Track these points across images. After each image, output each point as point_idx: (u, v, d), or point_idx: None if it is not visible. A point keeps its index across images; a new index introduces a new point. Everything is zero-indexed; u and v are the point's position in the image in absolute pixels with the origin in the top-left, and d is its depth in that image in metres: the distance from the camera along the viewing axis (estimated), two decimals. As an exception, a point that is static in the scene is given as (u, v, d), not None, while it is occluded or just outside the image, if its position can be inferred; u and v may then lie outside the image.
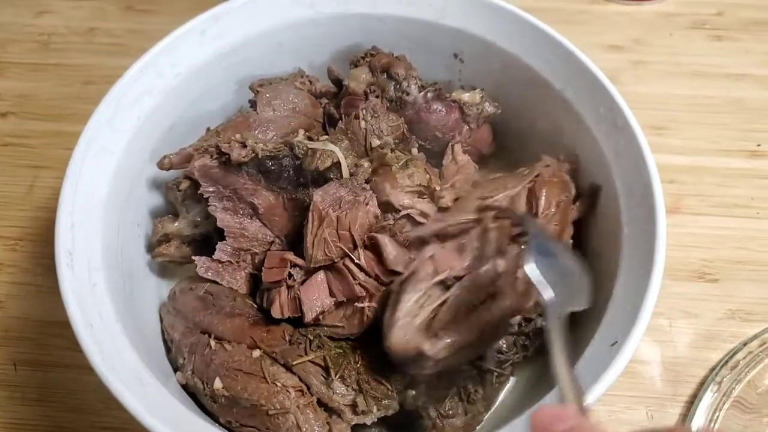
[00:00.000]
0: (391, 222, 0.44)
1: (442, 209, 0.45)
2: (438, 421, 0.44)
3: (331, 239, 0.43)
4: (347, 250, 0.43)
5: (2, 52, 0.75)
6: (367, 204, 0.44)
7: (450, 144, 0.54)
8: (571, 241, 0.48)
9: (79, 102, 0.70)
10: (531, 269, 0.37)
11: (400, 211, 0.45)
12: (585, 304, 0.38)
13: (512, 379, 0.50)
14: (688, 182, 0.64)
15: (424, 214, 0.45)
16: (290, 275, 0.44)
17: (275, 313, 0.44)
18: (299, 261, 0.45)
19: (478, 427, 0.47)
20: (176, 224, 0.51)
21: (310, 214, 0.44)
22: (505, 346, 0.47)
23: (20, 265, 0.60)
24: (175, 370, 0.47)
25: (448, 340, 0.41)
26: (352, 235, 0.44)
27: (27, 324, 0.56)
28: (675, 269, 0.59)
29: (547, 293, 0.36)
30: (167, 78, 0.52)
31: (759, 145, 0.66)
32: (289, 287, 0.44)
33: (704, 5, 0.76)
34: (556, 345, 0.34)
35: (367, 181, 0.47)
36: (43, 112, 0.70)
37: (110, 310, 0.42)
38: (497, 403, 0.49)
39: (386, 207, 0.45)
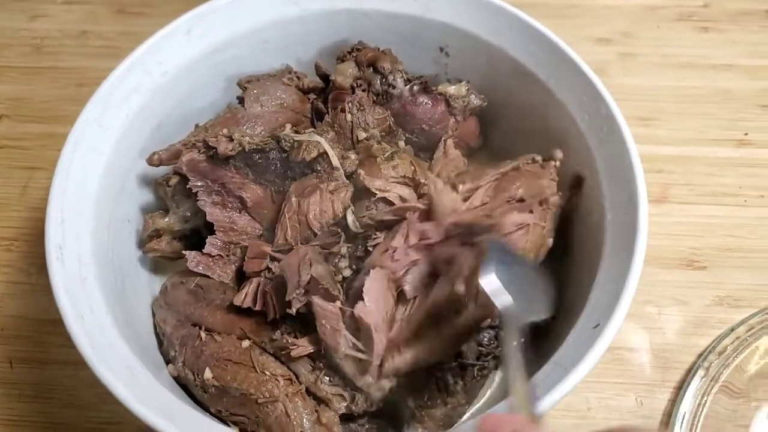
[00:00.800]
0: (373, 210, 0.45)
1: (425, 195, 0.46)
2: (416, 411, 0.44)
3: (291, 225, 0.44)
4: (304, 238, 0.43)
5: (-4, 56, 0.76)
6: (331, 192, 0.45)
7: (443, 138, 0.54)
8: (550, 240, 0.48)
9: (72, 104, 0.71)
10: (487, 280, 0.37)
11: (376, 195, 0.45)
12: (546, 314, 0.38)
13: (497, 373, 0.50)
14: (676, 172, 0.65)
15: (402, 199, 0.45)
16: (269, 269, 0.45)
17: (236, 300, 0.45)
18: (278, 255, 0.45)
19: (461, 420, 0.47)
20: (166, 219, 0.51)
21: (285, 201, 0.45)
22: (486, 339, 0.47)
23: (15, 264, 0.60)
24: (167, 362, 0.47)
25: (408, 356, 0.42)
26: (308, 222, 0.44)
27: (23, 322, 0.57)
28: (664, 257, 0.59)
29: (504, 302, 0.36)
30: (155, 76, 0.52)
31: (746, 134, 0.67)
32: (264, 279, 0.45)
33: (690, -3, 0.76)
34: (512, 355, 0.34)
35: (353, 173, 0.48)
36: (36, 115, 0.71)
37: (101, 303, 0.42)
38: (485, 397, 0.49)
39: (366, 193, 0.46)
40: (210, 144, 0.46)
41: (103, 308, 0.42)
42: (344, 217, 0.46)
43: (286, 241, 0.46)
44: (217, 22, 0.54)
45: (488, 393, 0.50)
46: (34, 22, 0.79)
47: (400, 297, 0.43)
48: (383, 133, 0.52)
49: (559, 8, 0.77)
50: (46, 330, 0.56)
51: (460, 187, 0.45)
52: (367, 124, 0.51)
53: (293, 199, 0.46)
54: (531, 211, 0.46)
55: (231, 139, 0.46)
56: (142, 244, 0.52)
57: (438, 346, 0.42)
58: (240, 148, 0.46)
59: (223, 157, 0.47)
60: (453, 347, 0.44)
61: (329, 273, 0.43)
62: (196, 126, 0.53)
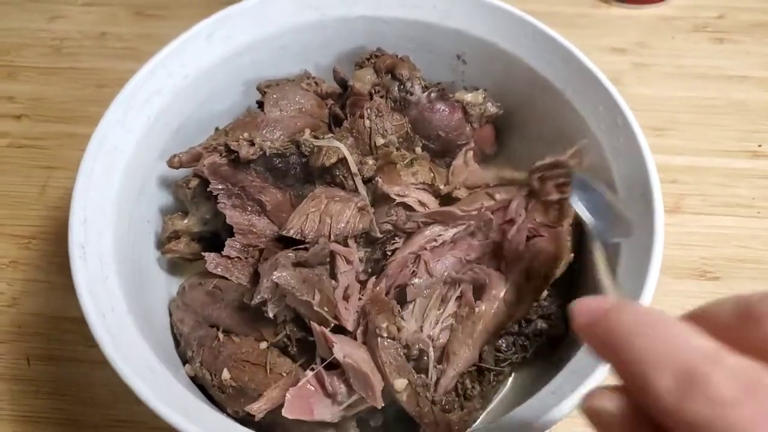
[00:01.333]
0: (393, 216, 0.45)
1: (453, 199, 0.47)
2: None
3: (311, 218, 0.44)
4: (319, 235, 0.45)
5: (16, 56, 0.77)
6: (359, 209, 0.46)
7: (464, 149, 0.55)
8: (571, 254, 0.49)
9: (91, 105, 0.72)
10: (575, 200, 0.42)
11: (395, 200, 0.46)
12: (628, 234, 0.42)
13: (510, 380, 0.51)
14: (689, 182, 0.65)
15: (422, 203, 0.46)
16: None
17: (245, 299, 0.45)
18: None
19: (474, 424, 0.47)
20: (186, 221, 0.52)
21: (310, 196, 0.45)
22: (504, 345, 0.48)
23: (33, 262, 0.61)
24: (184, 363, 0.48)
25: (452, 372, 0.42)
26: (330, 224, 0.45)
27: (40, 320, 0.58)
28: (676, 268, 0.60)
29: (591, 220, 0.41)
30: (176, 79, 0.53)
31: (760, 146, 0.67)
32: None
33: (705, 8, 0.77)
34: (602, 266, 0.37)
35: (371, 179, 0.49)
36: (56, 115, 0.72)
37: (122, 302, 0.43)
38: (494, 402, 0.50)
39: (384, 199, 0.47)
40: (232, 148, 0.47)
41: (124, 307, 0.43)
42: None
43: (301, 232, 0.46)
44: (238, 27, 0.55)
45: (500, 398, 0.50)
46: (53, 23, 0.80)
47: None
48: (401, 140, 0.52)
49: (573, 17, 0.78)
50: (63, 328, 0.57)
51: (497, 196, 0.46)
52: (386, 130, 0.51)
53: (324, 197, 0.46)
54: (562, 224, 0.46)
55: (252, 144, 0.47)
56: (160, 245, 0.53)
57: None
58: (261, 153, 0.47)
59: (245, 161, 0.47)
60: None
61: (300, 279, 0.43)
62: (216, 129, 0.54)
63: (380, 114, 0.51)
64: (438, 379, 0.42)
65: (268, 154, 0.47)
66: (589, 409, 0.24)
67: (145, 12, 0.81)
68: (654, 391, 0.20)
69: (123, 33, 0.79)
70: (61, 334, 0.57)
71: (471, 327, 0.42)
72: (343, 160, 0.48)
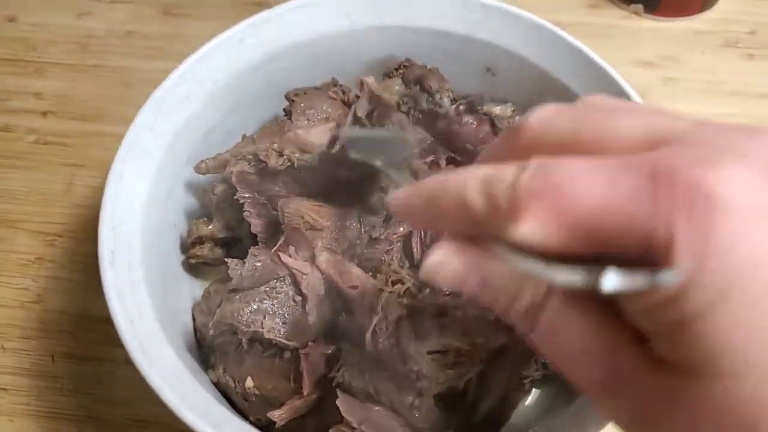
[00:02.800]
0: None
1: None
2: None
3: None
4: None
5: (43, 52, 0.77)
6: None
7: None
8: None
9: (117, 103, 0.72)
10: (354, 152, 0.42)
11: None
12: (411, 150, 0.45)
13: (531, 396, 0.51)
14: (715, 200, 0.64)
15: None
16: None
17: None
18: None
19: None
20: (210, 227, 0.52)
21: None
22: (526, 362, 0.48)
23: (58, 260, 0.62)
24: (207, 368, 0.48)
25: None
26: None
27: (64, 318, 0.58)
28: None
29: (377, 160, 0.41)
30: (206, 84, 0.53)
31: (788, 166, 0.66)
32: None
33: (737, 23, 0.76)
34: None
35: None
36: (81, 112, 0.72)
37: (149, 308, 0.43)
38: (514, 417, 0.50)
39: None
40: (261, 157, 0.47)
41: (152, 313, 0.43)
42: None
43: None
44: (269, 33, 0.55)
45: (520, 412, 0.50)
46: (81, 19, 0.80)
47: None
48: (425, 152, 0.52)
49: (601, 28, 0.77)
50: (87, 326, 0.58)
51: None
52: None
53: None
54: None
55: (281, 154, 0.47)
56: (185, 249, 0.53)
57: None
58: (289, 164, 0.47)
59: (273, 171, 0.47)
60: None
61: (240, 308, 0.45)
62: (244, 136, 0.54)
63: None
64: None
65: (296, 165, 0.47)
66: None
67: (172, 11, 0.81)
68: (471, 209, 0.23)
69: (149, 32, 0.79)
70: (85, 333, 0.57)
71: None
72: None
